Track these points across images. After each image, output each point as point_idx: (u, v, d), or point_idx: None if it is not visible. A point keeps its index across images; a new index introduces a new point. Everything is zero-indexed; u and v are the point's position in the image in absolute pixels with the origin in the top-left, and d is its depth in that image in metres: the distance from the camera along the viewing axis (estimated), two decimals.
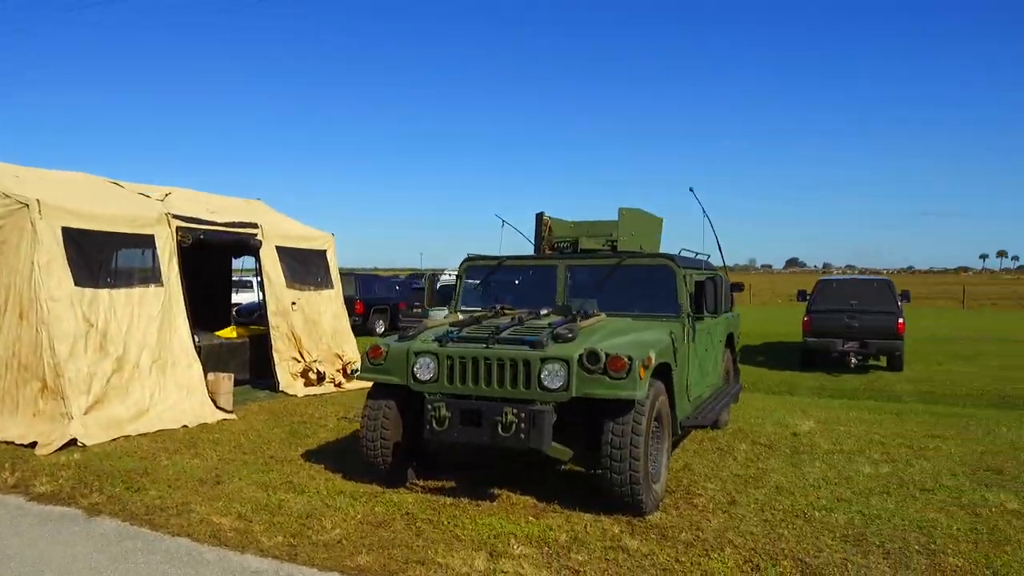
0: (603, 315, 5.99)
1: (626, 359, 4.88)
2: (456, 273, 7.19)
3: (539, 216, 7.25)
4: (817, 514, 5.13)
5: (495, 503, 5.31)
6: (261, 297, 10.56)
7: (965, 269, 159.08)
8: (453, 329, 5.65)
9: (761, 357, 17.23)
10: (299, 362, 10.41)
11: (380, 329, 21.59)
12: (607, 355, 4.92)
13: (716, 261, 7.88)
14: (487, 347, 5.28)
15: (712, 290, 6.22)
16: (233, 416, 8.34)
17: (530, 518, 4.99)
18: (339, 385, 10.67)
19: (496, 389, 5.19)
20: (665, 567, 4.20)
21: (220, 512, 5.04)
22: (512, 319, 5.80)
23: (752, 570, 4.16)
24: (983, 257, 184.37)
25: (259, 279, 10.74)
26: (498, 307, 6.36)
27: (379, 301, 21.87)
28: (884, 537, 4.67)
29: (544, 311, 6.13)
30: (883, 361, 15.52)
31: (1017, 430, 8.34)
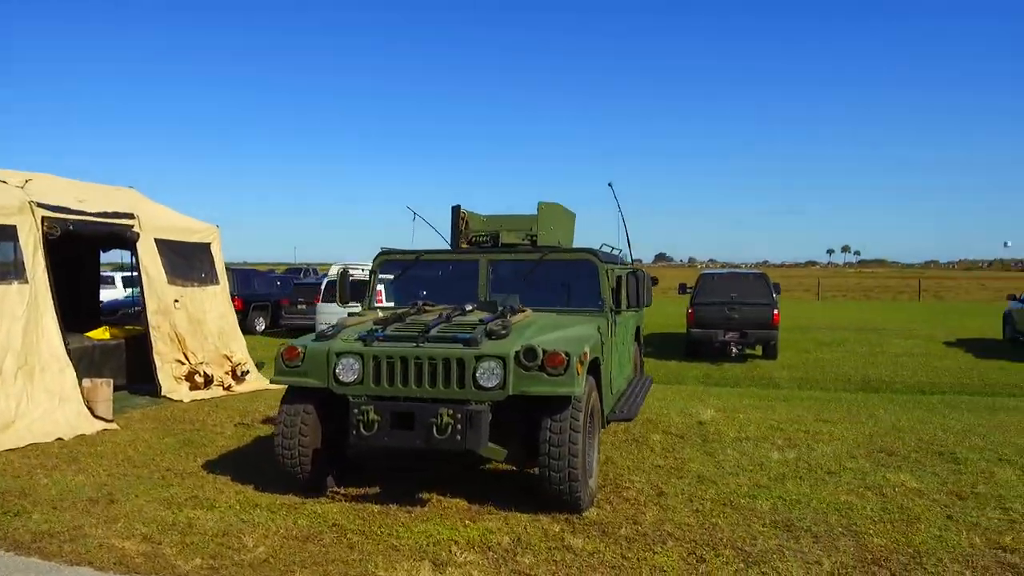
0: (530, 311, 5.88)
1: (564, 355, 4.79)
2: (370, 268, 6.86)
3: (456, 209, 7.04)
4: (742, 501, 5.27)
5: (426, 508, 5.09)
6: (136, 294, 9.72)
7: (813, 263, 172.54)
8: (376, 327, 5.36)
9: (649, 348, 17.79)
10: (183, 365, 9.66)
11: (261, 327, 20.55)
12: (544, 351, 4.81)
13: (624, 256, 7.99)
14: (417, 346, 5.04)
15: (635, 285, 6.27)
16: (115, 426, 7.59)
17: (467, 521, 4.81)
18: (228, 388, 9.99)
19: (428, 389, 4.96)
20: (613, 564, 4.16)
21: (121, 535, 4.53)
22: (439, 316, 5.58)
23: (697, 562, 4.19)
24: (830, 252, 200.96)
25: (135, 275, 9.89)
26: (419, 303, 6.11)
27: (259, 298, 20.81)
28: (809, 521, 4.85)
29: (469, 307, 5.94)
30: (759, 350, 16.41)
31: (894, 413, 9.00)
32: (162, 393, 9.23)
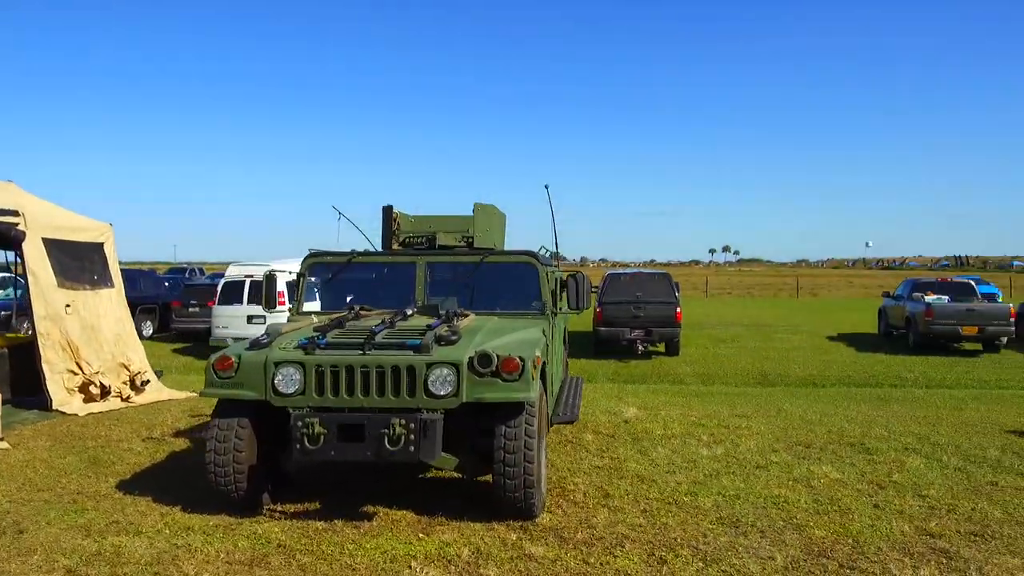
0: (472, 315, 5.79)
1: (519, 360, 4.73)
2: (299, 271, 6.54)
3: (387, 209, 6.83)
4: (685, 499, 5.39)
5: (374, 522, 4.90)
6: (7, 297, 8.88)
7: (697, 262, 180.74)
8: (317, 334, 5.10)
9: None
10: (77, 375, 8.91)
11: (148, 332, 19.32)
12: (499, 356, 4.73)
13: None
14: (363, 353, 4.84)
15: (575, 287, 6.30)
16: (5, 444, 6.89)
17: (420, 534, 4.67)
18: (127, 399, 9.30)
19: (376, 399, 4.77)
20: (577, 571, 4.14)
21: (40, 569, 4.10)
22: (382, 321, 5.38)
23: (658, 563, 4.24)
24: (712, 251, 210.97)
25: (13, 276, 9.03)
26: (355, 308, 5.88)
27: (146, 300, 19.55)
28: (752, 517, 5.02)
29: (409, 311, 5.77)
30: (662, 347, 16.96)
31: (799, 406, 9.51)
32: (53, 407, 8.48)
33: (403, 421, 4.61)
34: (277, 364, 4.86)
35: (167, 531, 4.71)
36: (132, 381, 9.49)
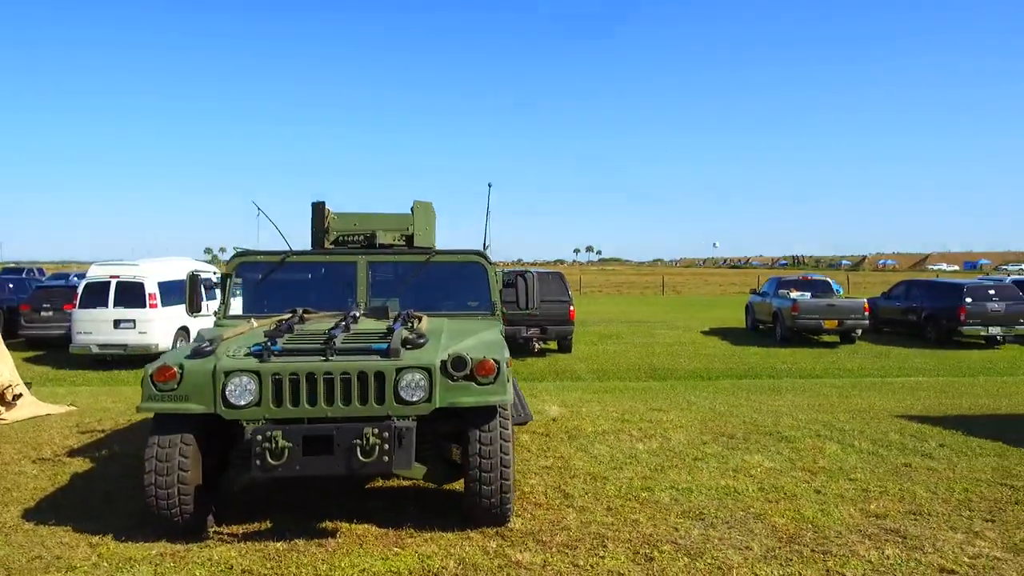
0: (424, 316, 5.57)
1: (494, 362, 4.61)
2: (223, 272, 6.03)
3: (319, 206, 6.45)
4: (643, 495, 5.48)
5: (339, 538, 4.61)
6: None
7: (562, 261, 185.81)
8: (268, 340, 4.72)
9: None
10: None
11: None
12: (473, 359, 4.58)
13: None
14: (326, 359, 4.53)
15: (524, 287, 6.23)
16: None
17: (394, 548, 4.44)
18: None
19: (341, 408, 4.48)
20: (569, 575, 4.08)
21: None
22: (336, 324, 5.06)
23: (646, 561, 4.27)
24: (576, 251, 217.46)
25: None
26: (298, 311, 5.49)
27: None
28: (712, 509, 5.17)
29: (355, 313, 5.47)
30: (554, 344, 17.23)
31: (703, 398, 9.94)
32: None
33: (376, 430, 4.36)
34: (228, 373, 4.45)
35: (106, 564, 4.20)
36: (1, 396, 8.43)
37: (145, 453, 4.53)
